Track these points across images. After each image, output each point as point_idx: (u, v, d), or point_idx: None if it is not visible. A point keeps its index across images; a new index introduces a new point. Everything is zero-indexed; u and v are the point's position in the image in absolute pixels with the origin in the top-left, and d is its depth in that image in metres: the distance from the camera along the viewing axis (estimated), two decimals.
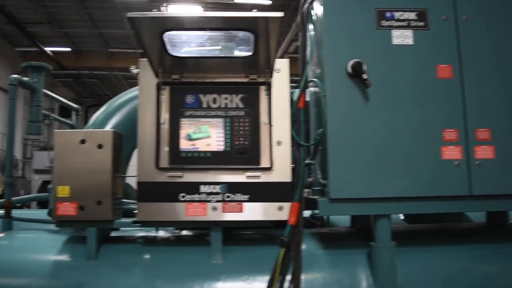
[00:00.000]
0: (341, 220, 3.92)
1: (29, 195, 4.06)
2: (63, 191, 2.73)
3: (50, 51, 21.16)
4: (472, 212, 3.29)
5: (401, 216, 4.01)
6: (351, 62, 2.57)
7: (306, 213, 3.38)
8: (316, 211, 3.51)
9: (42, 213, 4.26)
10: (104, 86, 26.95)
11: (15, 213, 3.59)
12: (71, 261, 2.75)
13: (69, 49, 22.00)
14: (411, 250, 2.78)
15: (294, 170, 2.69)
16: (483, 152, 2.61)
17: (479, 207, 2.69)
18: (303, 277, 2.56)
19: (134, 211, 3.19)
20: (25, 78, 3.77)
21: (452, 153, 2.60)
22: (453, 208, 2.65)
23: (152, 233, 3.08)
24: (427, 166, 2.59)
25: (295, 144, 2.72)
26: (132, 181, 3.40)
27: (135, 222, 2.74)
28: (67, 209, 2.71)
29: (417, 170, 2.58)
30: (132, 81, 23.52)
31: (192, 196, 2.63)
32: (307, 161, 2.79)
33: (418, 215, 3.57)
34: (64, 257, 2.78)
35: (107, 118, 3.55)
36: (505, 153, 2.63)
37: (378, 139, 2.59)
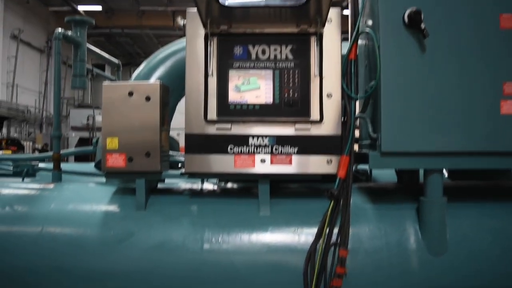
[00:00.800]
0: (384, 175, 3.88)
1: (75, 149, 4.16)
2: (112, 143, 2.76)
3: (82, 10, 21.25)
4: None
5: (445, 174, 3.94)
6: (408, 11, 2.44)
7: None
8: (360, 166, 3.48)
9: (88, 166, 4.38)
10: (136, 45, 27.09)
11: (62, 166, 3.69)
12: (121, 212, 2.82)
13: (100, 8, 22.04)
14: (461, 206, 2.72)
15: (343, 124, 2.64)
16: None
17: None
18: (350, 231, 2.55)
19: (179, 164, 3.24)
20: (69, 32, 3.78)
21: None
22: (509, 164, 2.57)
23: (197, 185, 3.11)
24: (485, 121, 2.48)
25: (345, 96, 2.65)
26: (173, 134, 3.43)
27: (183, 173, 2.77)
28: (116, 160, 2.75)
29: (473, 124, 2.48)
30: (163, 39, 23.53)
31: (241, 148, 2.62)
32: (356, 115, 2.73)
33: (464, 172, 3.49)
34: (113, 208, 2.85)
35: (150, 72, 3.55)
36: None
37: (434, 91, 2.49)
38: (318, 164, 2.62)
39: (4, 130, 20.53)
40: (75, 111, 22.50)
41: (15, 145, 15.96)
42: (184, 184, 3.15)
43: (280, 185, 2.93)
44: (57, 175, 3.49)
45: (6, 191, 3.08)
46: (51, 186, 3.24)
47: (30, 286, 2.73)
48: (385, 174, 3.99)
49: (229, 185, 3.14)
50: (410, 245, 2.59)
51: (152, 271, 2.61)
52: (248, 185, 3.02)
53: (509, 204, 2.76)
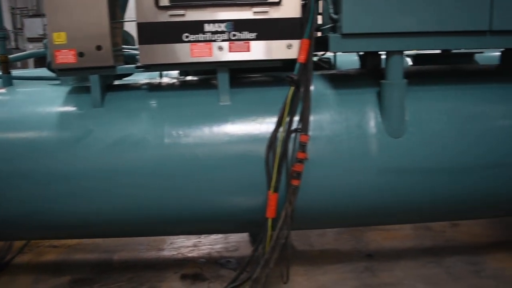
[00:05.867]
0: (347, 63, 3.83)
1: (26, 52, 3.89)
2: (59, 37, 2.57)
3: None
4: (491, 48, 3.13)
5: (410, 62, 3.93)
6: None
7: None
8: (323, 54, 3.41)
9: (40, 71, 4.15)
10: None
11: (14, 73, 3.45)
12: (77, 110, 2.71)
13: None
14: (421, 89, 2.73)
15: (303, 6, 2.52)
16: None
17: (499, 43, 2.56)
18: (311, 117, 2.54)
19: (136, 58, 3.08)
20: None
21: None
22: (471, 44, 2.54)
23: (155, 80, 3.00)
24: None
25: None
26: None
27: (138, 67, 2.65)
28: (66, 56, 2.58)
29: (434, 2, 2.40)
30: None
31: (196, 36, 2.49)
32: None
33: (427, 59, 3.47)
34: (69, 107, 2.73)
35: None
36: None
37: None
38: (278, 50, 2.53)
39: None
40: (30, 21, 20.98)
41: None
42: (141, 80, 3.03)
43: (239, 75, 2.85)
44: (7, 79, 3.28)
45: None
46: (3, 90, 3.06)
47: None
48: (349, 62, 3.95)
49: (188, 77, 3.04)
50: (370, 128, 2.61)
51: (113, 168, 2.58)
52: (207, 77, 2.92)
53: (466, 86, 2.78)
